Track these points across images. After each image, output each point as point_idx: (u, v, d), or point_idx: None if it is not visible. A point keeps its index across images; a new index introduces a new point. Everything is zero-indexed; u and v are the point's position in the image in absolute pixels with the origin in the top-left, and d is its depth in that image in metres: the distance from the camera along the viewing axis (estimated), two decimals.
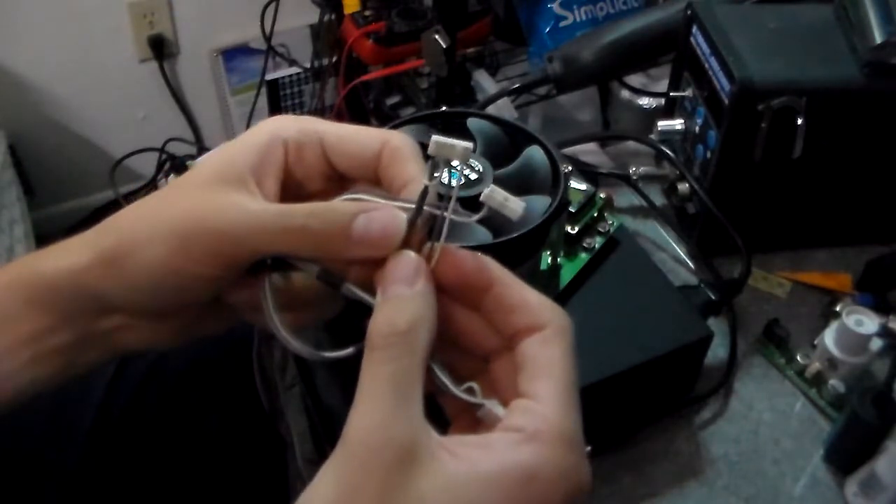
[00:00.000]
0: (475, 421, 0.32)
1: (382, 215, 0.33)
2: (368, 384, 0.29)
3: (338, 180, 0.38)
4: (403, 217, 0.33)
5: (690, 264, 0.79)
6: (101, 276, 0.34)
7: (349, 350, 0.34)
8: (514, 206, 0.34)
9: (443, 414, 0.34)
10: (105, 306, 0.36)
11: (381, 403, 0.28)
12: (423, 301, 0.31)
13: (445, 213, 0.33)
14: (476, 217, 0.34)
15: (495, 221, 0.52)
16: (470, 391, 0.32)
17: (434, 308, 0.32)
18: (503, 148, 0.57)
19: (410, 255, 0.33)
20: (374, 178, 0.37)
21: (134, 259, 0.34)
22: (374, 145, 0.36)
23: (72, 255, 0.35)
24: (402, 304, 0.31)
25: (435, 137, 0.33)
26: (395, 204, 0.34)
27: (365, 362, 0.30)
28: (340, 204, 0.34)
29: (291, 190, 0.37)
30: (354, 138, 0.37)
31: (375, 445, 0.27)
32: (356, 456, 0.28)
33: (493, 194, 0.34)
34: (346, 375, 0.31)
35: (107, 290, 0.35)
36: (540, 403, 0.30)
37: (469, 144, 0.33)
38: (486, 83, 1.17)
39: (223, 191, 0.34)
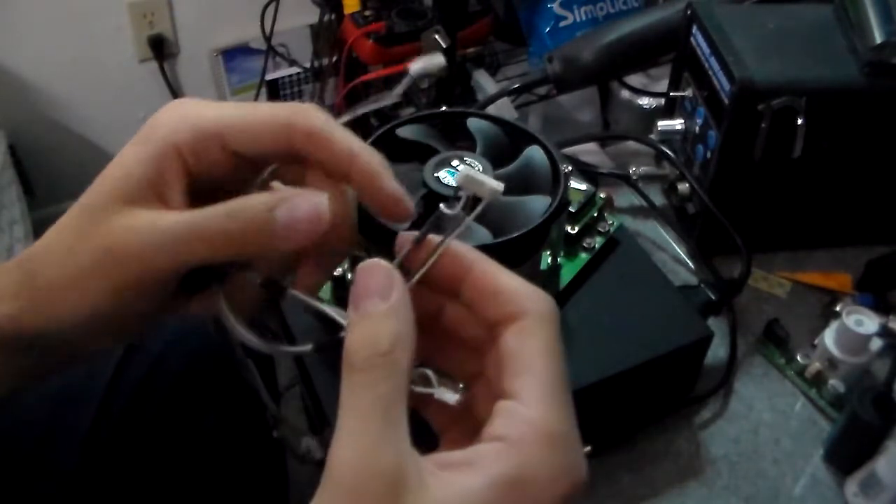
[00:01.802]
0: (467, 431, 0.31)
1: (302, 202, 0.32)
2: (353, 408, 0.27)
3: (252, 166, 0.35)
4: (325, 199, 0.32)
5: (690, 264, 0.79)
6: (35, 323, 0.33)
7: (307, 346, 0.33)
8: (492, 184, 0.32)
9: (429, 430, 0.33)
10: (50, 341, 0.35)
11: (368, 429, 0.27)
12: (401, 315, 0.29)
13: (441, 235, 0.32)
14: (469, 217, 0.33)
15: (495, 221, 0.52)
16: (424, 380, 0.30)
17: (412, 320, 0.30)
18: (503, 148, 0.57)
19: (380, 263, 0.30)
20: (290, 160, 0.35)
21: (62, 305, 0.33)
22: (279, 131, 0.33)
23: (2, 302, 0.33)
24: (380, 321, 0.29)
25: (465, 170, 0.32)
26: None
27: (346, 385, 0.28)
28: (256, 199, 0.32)
29: (203, 189, 0.34)
30: (255, 127, 0.33)
31: (366, 475, 0.26)
32: (346, 487, 0.26)
33: (469, 174, 0.32)
34: None
35: (42, 333, 0.34)
36: (523, 403, 0.29)
37: (499, 186, 0.32)
38: (486, 83, 1.18)
39: (129, 213, 0.32)
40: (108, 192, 0.33)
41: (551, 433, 0.28)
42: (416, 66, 0.36)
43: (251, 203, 0.32)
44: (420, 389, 0.30)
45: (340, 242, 0.35)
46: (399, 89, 0.36)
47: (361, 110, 0.36)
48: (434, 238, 0.32)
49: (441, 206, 0.32)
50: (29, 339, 0.34)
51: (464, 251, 0.32)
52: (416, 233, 0.32)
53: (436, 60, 0.36)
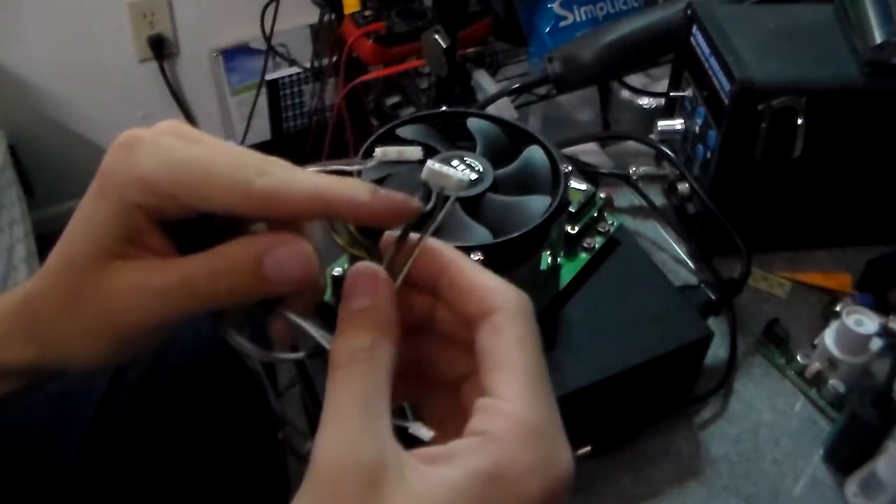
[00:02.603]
0: (461, 431, 0.31)
1: (290, 253, 0.31)
2: (335, 404, 0.28)
3: None
4: (310, 246, 0.31)
5: (690, 264, 0.79)
6: (48, 366, 0.35)
7: (300, 353, 0.33)
8: (457, 176, 0.31)
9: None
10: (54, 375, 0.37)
11: (348, 423, 0.27)
12: (383, 313, 0.30)
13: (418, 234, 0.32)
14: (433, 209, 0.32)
15: (495, 221, 0.52)
16: (401, 413, 0.31)
17: (396, 317, 0.30)
18: (503, 148, 0.57)
19: (369, 265, 0.31)
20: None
21: (71, 356, 0.34)
22: (235, 197, 0.31)
23: (15, 352, 0.35)
24: (362, 319, 0.30)
25: (430, 164, 0.32)
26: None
27: (330, 382, 0.29)
28: (240, 249, 0.31)
29: (173, 217, 0.33)
30: (211, 194, 0.31)
31: (345, 468, 0.27)
32: (326, 480, 0.27)
33: (433, 168, 0.32)
34: None
35: (56, 372, 0.36)
36: (500, 399, 0.29)
37: (465, 177, 0.32)
38: (486, 83, 1.18)
39: (117, 270, 0.32)
40: (89, 251, 0.32)
41: (530, 426, 0.28)
42: (389, 153, 0.35)
43: (237, 257, 0.31)
44: (395, 422, 0.30)
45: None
46: (371, 163, 0.36)
47: (331, 167, 0.35)
48: (415, 237, 0.32)
49: (415, 201, 0.32)
50: (35, 376, 0.36)
51: (439, 248, 0.32)
52: (398, 233, 0.32)
53: (407, 153, 0.35)
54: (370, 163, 0.36)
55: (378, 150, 0.35)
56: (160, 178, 0.30)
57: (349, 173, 0.34)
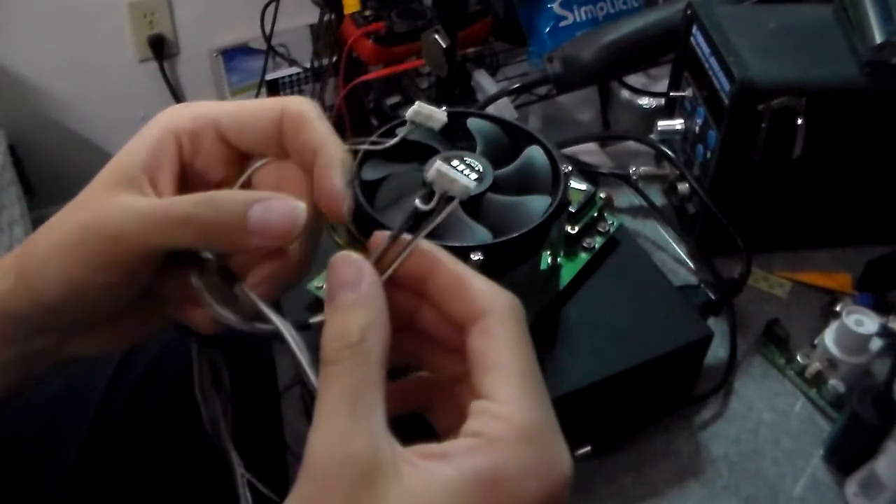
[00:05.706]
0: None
1: (281, 204, 0.32)
2: (326, 400, 0.28)
3: (241, 164, 0.36)
4: (303, 206, 0.32)
5: (690, 264, 0.79)
6: (21, 298, 0.33)
7: (269, 326, 0.33)
8: (464, 181, 0.32)
9: (433, 431, 0.34)
10: (36, 326, 0.35)
11: (339, 419, 0.27)
12: (371, 305, 0.30)
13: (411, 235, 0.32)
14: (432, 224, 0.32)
15: (495, 221, 0.52)
16: None
17: (384, 308, 0.30)
18: (503, 148, 0.57)
19: (351, 255, 0.31)
20: (278, 153, 0.35)
21: (40, 277, 0.33)
22: (270, 116, 0.35)
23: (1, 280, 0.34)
24: (350, 312, 0.29)
25: (439, 165, 0.32)
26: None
27: (321, 378, 0.29)
28: (237, 192, 0.33)
29: (194, 182, 0.36)
30: (248, 113, 0.35)
31: (336, 463, 0.26)
32: (318, 475, 0.27)
33: (441, 169, 0.32)
34: None
35: (29, 312, 0.34)
36: (494, 401, 0.29)
37: (471, 184, 0.32)
38: (486, 83, 1.18)
39: (114, 194, 0.33)
40: (108, 175, 0.34)
41: (525, 428, 0.28)
42: (423, 111, 0.36)
43: (230, 196, 0.33)
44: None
45: (296, 261, 0.35)
46: (401, 133, 0.37)
47: (362, 147, 0.38)
48: (408, 236, 0.32)
49: (416, 201, 0.32)
50: (18, 321, 0.34)
51: (430, 250, 0.32)
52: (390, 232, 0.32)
53: (437, 115, 0.36)
54: (398, 135, 0.36)
55: (412, 109, 0.35)
56: (206, 108, 0.35)
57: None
